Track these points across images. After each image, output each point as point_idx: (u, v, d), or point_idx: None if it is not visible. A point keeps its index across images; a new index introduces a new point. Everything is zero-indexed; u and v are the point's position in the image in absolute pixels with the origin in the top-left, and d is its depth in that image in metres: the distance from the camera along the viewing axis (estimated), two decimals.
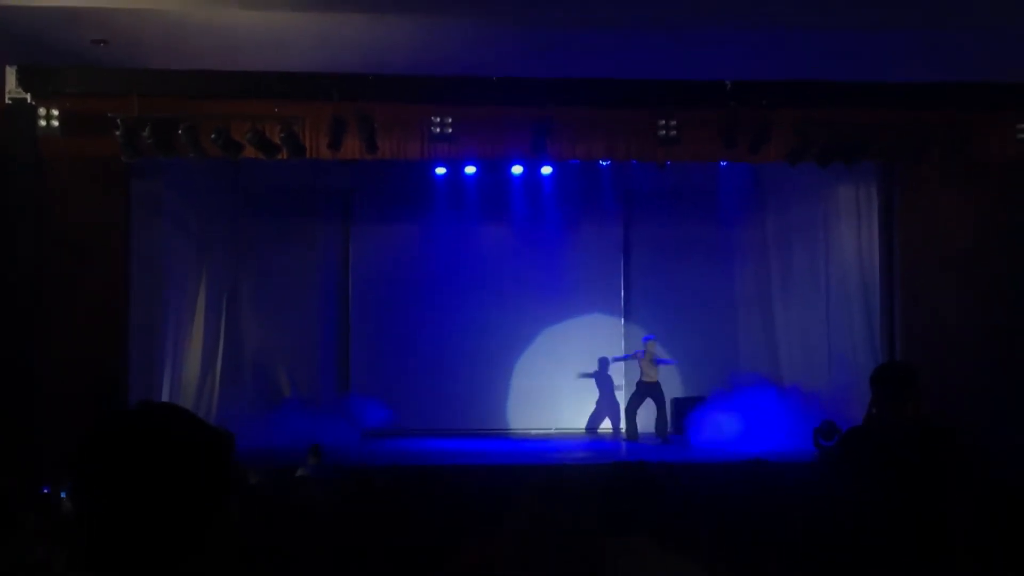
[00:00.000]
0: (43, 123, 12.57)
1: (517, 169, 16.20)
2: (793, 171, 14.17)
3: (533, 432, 17.32)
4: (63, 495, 8.21)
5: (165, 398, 14.16)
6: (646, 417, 16.44)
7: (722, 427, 15.71)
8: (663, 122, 13.17)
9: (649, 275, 18.03)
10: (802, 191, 16.31)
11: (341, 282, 17.94)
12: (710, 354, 17.41)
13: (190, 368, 15.63)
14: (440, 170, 16.46)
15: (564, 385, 17.69)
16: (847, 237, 15.70)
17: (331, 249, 17.93)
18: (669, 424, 16.38)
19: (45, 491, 8.84)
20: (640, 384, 16.50)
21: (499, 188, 17.08)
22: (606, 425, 17.77)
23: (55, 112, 12.57)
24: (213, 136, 12.65)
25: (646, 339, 16.78)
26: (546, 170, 16.39)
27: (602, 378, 17.82)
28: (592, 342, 17.88)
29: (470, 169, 16.33)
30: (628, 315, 18.18)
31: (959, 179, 13.86)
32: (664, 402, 16.42)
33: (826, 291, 16.27)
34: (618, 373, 17.81)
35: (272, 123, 12.85)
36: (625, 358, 17.42)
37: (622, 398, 17.44)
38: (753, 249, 17.93)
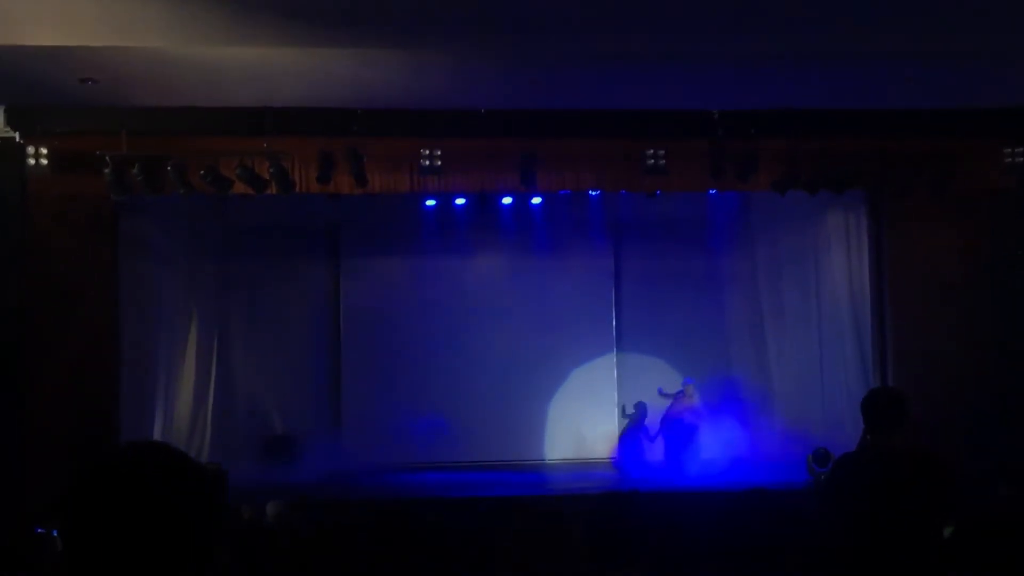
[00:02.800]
0: (32, 162, 12.60)
1: (507, 200, 16.20)
2: (782, 200, 14.19)
3: (526, 463, 17.25)
4: (55, 534, 8.18)
5: (157, 436, 14.14)
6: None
7: (716, 456, 15.69)
8: (651, 152, 13.24)
9: (640, 304, 18.00)
10: (791, 220, 16.33)
11: (332, 316, 17.90)
12: (703, 383, 17.36)
13: (182, 406, 15.60)
14: (430, 202, 16.46)
15: (557, 415, 17.65)
16: (837, 265, 15.73)
17: (321, 284, 17.89)
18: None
19: (39, 531, 8.80)
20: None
21: (489, 220, 17.06)
22: (599, 454, 17.66)
23: (44, 151, 12.60)
24: (202, 172, 12.68)
25: (687, 382, 16.66)
26: (536, 201, 16.39)
27: (596, 407, 17.73)
28: (585, 372, 17.84)
29: (460, 201, 16.33)
30: (620, 344, 18.16)
31: (947, 206, 13.91)
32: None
33: (817, 319, 16.29)
34: (610, 401, 17.74)
35: (261, 158, 12.90)
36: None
37: (616, 426, 17.35)
38: (743, 278, 17.93)
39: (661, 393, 16.91)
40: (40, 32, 10.16)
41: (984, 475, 12.17)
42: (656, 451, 16.32)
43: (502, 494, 13.48)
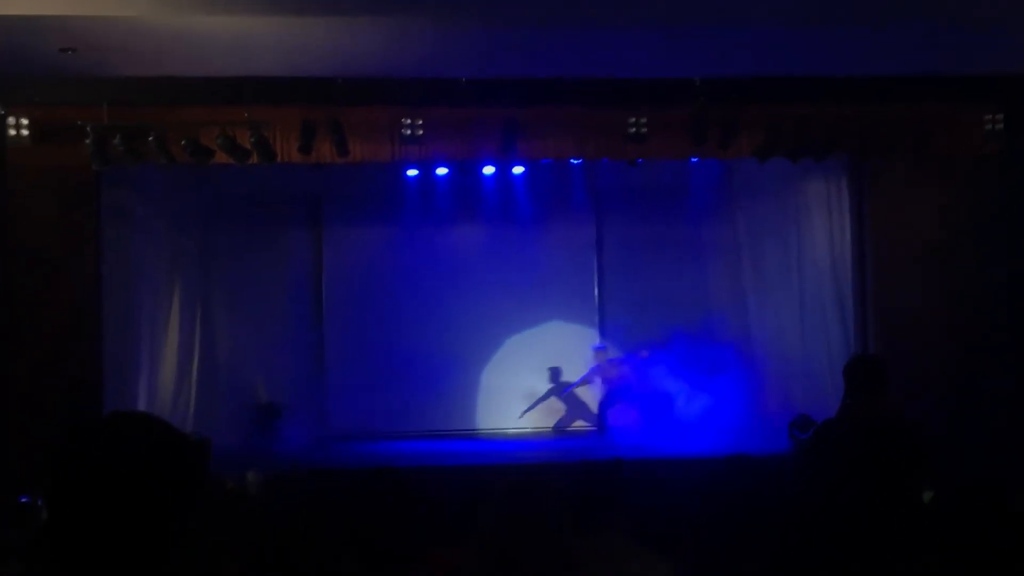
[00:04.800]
0: (12, 132, 12.52)
1: (488, 170, 16.18)
2: (763, 167, 14.21)
3: (508, 432, 17.32)
4: (40, 503, 8.17)
5: (141, 407, 14.13)
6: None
7: (694, 423, 15.78)
8: (633, 120, 13.21)
9: (622, 273, 18.01)
10: (773, 187, 16.34)
11: (314, 286, 17.90)
12: (685, 349, 17.39)
13: (166, 376, 15.59)
14: (411, 172, 16.42)
15: (538, 384, 17.70)
16: (818, 232, 15.75)
17: (303, 254, 17.87)
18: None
19: (24, 500, 8.79)
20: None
21: (471, 189, 17.04)
22: (578, 423, 17.73)
23: (24, 121, 12.51)
24: (183, 142, 12.63)
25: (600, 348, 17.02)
26: (517, 170, 16.37)
27: (573, 376, 17.75)
28: (567, 341, 17.87)
29: (441, 171, 16.30)
30: (602, 313, 18.19)
31: (929, 173, 13.92)
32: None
33: (799, 286, 16.31)
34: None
35: (242, 128, 12.85)
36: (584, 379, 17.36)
37: (597, 396, 17.41)
38: (725, 246, 17.94)
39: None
40: (17, 1, 10.07)
41: (965, 439, 12.27)
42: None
43: (482, 463, 13.52)
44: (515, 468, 12.79)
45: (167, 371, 15.67)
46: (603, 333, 18.01)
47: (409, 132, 13.02)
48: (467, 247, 17.88)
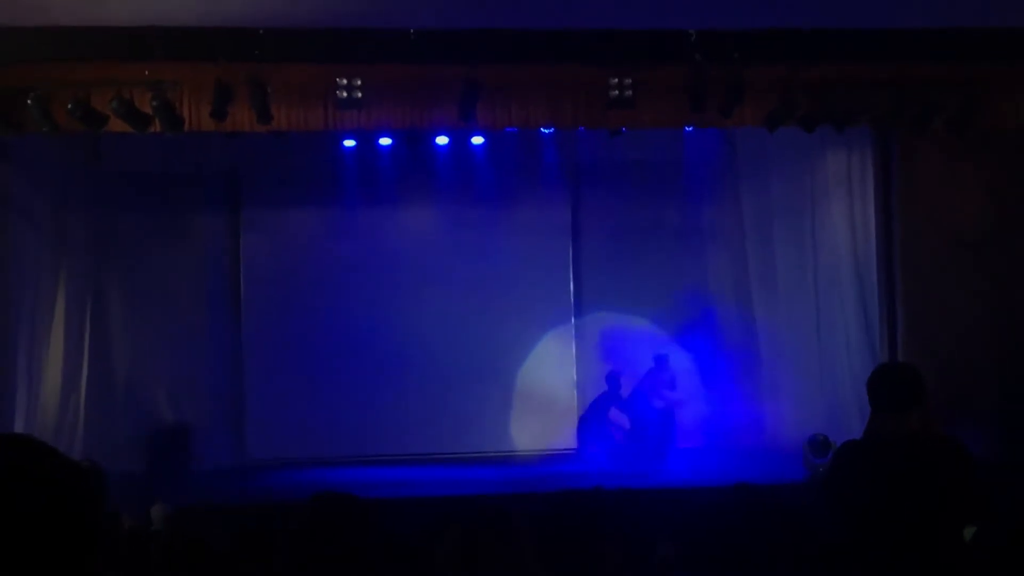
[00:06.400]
0: None
1: (442, 140, 16.18)
2: (773, 139, 14.25)
3: (466, 456, 17.28)
4: None
5: (19, 428, 14.05)
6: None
7: (694, 444, 15.81)
8: (616, 81, 13.21)
9: (603, 264, 18.00)
10: (784, 163, 16.42)
11: (231, 280, 17.79)
12: (678, 358, 17.45)
13: (49, 390, 15.50)
14: (349, 143, 16.40)
15: (505, 399, 17.67)
16: (838, 217, 15.84)
17: (217, 241, 17.76)
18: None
19: None
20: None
21: (421, 163, 17.02)
22: (557, 443, 17.71)
23: None
24: (70, 107, 12.53)
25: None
26: (477, 140, 16.38)
27: (551, 387, 17.76)
28: (536, 345, 17.86)
29: (385, 141, 16.28)
30: (579, 312, 18.18)
31: (970, 146, 13.98)
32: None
33: (814, 281, 16.39)
34: (568, 381, 17.79)
35: (142, 89, 12.77)
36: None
37: (575, 410, 17.43)
38: (726, 233, 18.00)
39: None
40: None
41: (1013, 467, 12.36)
42: (627, 437, 16.40)
43: (437, 493, 13.54)
44: (473, 500, 12.81)
45: (51, 383, 15.57)
46: (579, 334, 18.01)
47: (346, 94, 12.98)
48: (416, 233, 17.84)
